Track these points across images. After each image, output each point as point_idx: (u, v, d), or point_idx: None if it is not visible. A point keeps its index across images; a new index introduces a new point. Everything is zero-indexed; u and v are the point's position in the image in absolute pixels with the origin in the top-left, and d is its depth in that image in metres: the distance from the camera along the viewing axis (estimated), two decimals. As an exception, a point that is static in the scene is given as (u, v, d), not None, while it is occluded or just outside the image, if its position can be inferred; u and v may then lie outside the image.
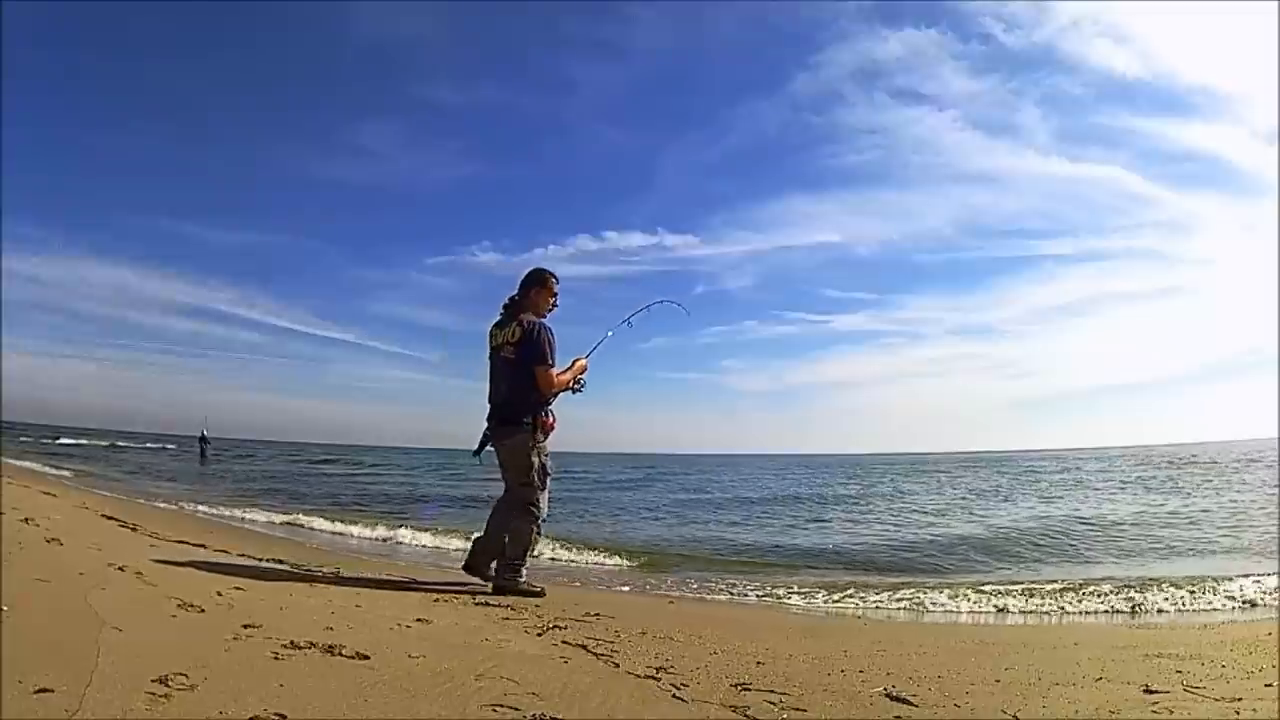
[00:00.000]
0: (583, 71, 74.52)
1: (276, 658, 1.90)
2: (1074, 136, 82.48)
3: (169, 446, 36.42)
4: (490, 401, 3.63)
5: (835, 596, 4.70)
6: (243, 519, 8.11)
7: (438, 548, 6.61)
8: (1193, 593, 4.61)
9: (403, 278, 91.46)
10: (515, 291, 3.68)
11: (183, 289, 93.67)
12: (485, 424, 3.63)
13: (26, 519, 4.34)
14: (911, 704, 1.94)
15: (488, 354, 3.67)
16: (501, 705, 1.69)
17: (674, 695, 1.93)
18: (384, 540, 7.06)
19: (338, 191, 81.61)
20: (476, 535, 3.81)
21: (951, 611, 4.45)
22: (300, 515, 8.46)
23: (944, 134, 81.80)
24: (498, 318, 3.68)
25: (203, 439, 28.19)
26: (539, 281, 3.66)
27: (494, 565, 3.65)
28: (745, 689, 2.01)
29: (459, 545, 6.63)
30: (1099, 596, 4.59)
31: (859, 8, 71.51)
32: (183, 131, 73.39)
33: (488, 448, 3.64)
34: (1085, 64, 76.49)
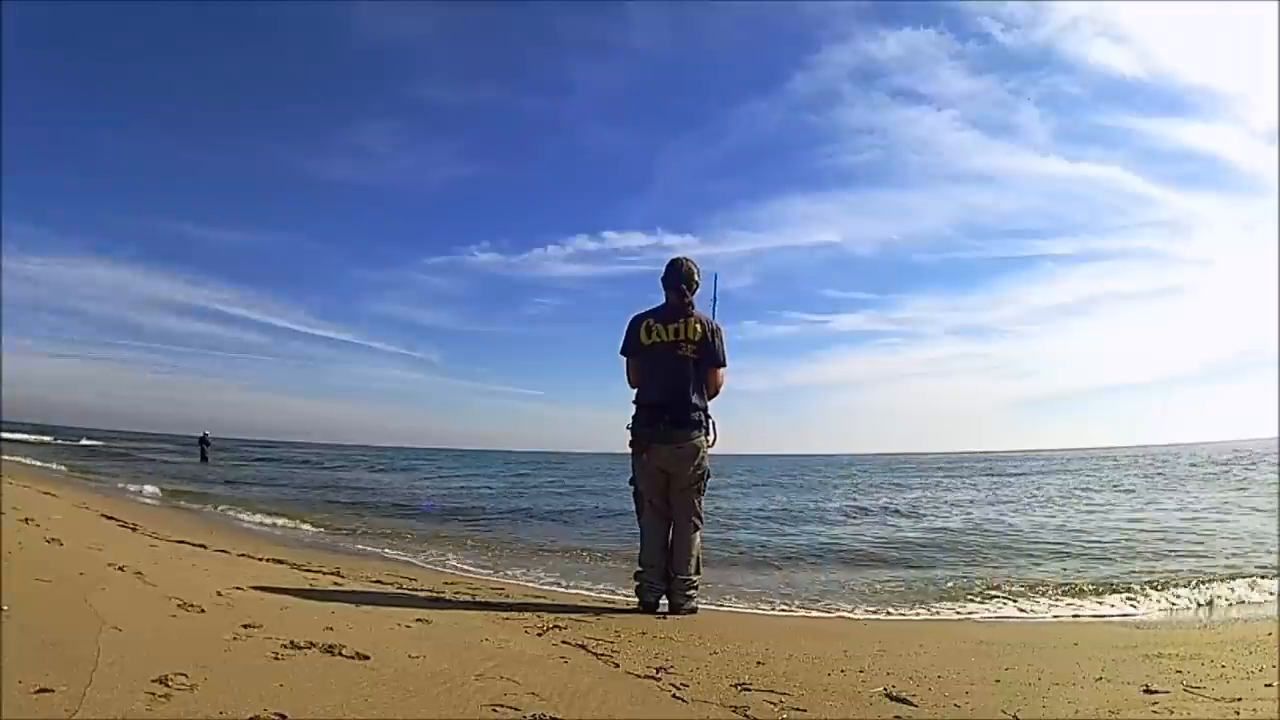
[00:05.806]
0: (581, 72, 74.89)
1: (276, 658, 1.90)
2: (1073, 136, 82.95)
3: (170, 446, 36.41)
4: (651, 400, 3.39)
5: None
6: (242, 519, 8.12)
7: (431, 550, 6.59)
8: None
9: (403, 278, 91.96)
10: (668, 280, 3.43)
11: (183, 289, 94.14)
12: (644, 425, 3.39)
13: (26, 519, 4.35)
14: (911, 704, 1.94)
15: (639, 348, 3.42)
16: (501, 705, 1.69)
17: (674, 695, 1.93)
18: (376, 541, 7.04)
19: (338, 191, 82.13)
20: (639, 569, 3.46)
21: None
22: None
23: (943, 134, 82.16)
24: (645, 310, 3.46)
25: (204, 440, 28.22)
26: (695, 279, 3.46)
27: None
28: (745, 689, 2.01)
29: (456, 546, 6.65)
30: None
31: (857, 8, 71.81)
32: (183, 131, 73.94)
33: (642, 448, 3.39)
34: (1084, 64, 76.84)
